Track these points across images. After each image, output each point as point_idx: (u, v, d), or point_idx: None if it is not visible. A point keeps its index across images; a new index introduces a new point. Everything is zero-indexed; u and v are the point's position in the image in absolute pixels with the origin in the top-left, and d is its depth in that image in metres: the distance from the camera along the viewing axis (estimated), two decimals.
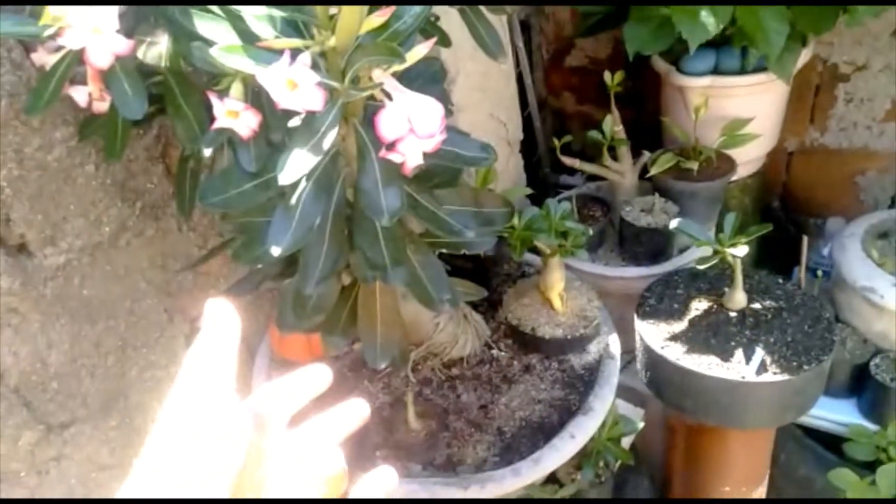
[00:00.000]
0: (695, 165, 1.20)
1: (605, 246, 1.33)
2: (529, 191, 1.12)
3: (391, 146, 0.46)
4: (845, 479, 1.14)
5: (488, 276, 1.13)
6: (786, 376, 0.87)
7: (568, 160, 1.23)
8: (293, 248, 0.51)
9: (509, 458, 0.85)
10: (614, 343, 0.98)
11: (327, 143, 0.45)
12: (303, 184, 0.53)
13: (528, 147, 1.64)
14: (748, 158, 1.35)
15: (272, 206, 0.54)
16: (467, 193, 0.69)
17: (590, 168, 1.25)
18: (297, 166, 0.44)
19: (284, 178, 0.44)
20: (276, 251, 0.51)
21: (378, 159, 0.49)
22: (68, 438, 0.88)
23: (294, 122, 0.51)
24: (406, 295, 0.92)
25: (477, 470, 0.84)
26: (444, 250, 0.82)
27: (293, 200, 0.52)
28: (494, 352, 1.01)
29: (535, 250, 1.01)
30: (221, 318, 0.31)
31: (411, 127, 0.44)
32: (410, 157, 0.47)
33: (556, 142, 1.19)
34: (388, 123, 0.43)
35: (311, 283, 0.57)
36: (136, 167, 0.86)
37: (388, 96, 0.45)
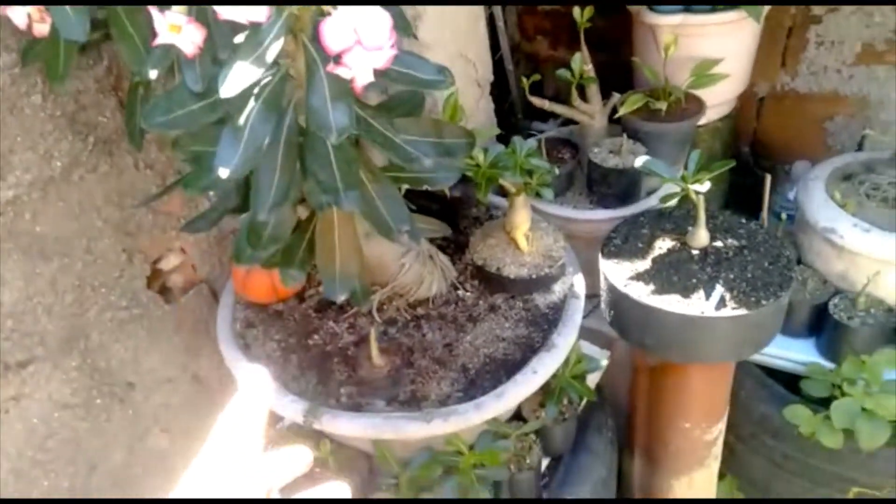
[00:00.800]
0: (664, 106, 1.19)
1: (573, 189, 1.33)
2: (498, 131, 1.11)
3: (338, 59, 0.44)
4: (799, 415, 1.18)
5: (455, 218, 1.13)
6: (744, 311, 0.89)
7: (537, 100, 1.21)
8: (242, 169, 0.50)
9: (473, 394, 0.86)
10: (579, 283, 0.98)
11: (271, 55, 0.43)
12: (251, 103, 0.51)
13: (501, 93, 1.62)
14: (718, 101, 1.34)
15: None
16: (427, 124, 0.68)
17: (559, 109, 1.23)
18: (239, 79, 0.43)
19: (226, 91, 0.43)
20: (224, 173, 0.50)
21: (326, 75, 0.47)
22: (27, 377, 0.87)
23: (240, 39, 0.49)
24: (370, 234, 0.91)
25: (441, 405, 0.85)
26: (406, 185, 0.81)
27: (241, 120, 0.51)
28: (460, 292, 1.01)
29: (502, 193, 1.00)
30: (255, 386, 0.36)
31: (358, 38, 0.43)
32: (360, 72, 0.46)
33: (524, 81, 1.17)
34: (332, 33, 0.41)
35: (264, 208, 0.56)
36: (86, 99, 0.83)
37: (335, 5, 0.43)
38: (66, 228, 0.86)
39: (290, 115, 0.56)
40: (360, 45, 0.43)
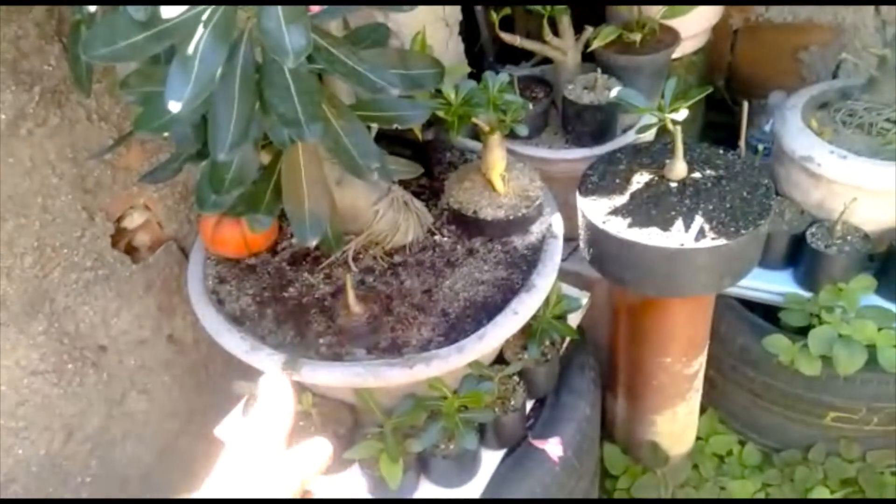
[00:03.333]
0: (638, 38, 1.16)
1: (548, 129, 1.30)
2: (468, 69, 1.07)
3: None
4: (778, 345, 1.19)
5: (429, 162, 1.10)
6: (723, 241, 0.88)
7: (508, 36, 1.17)
8: (194, 102, 0.47)
9: (454, 338, 0.84)
10: (557, 223, 0.97)
11: None
12: (199, 31, 0.47)
13: (472, 36, 1.56)
14: (692, 32, 1.31)
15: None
16: (393, 54, 0.65)
17: (531, 45, 1.19)
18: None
19: (167, 11, 0.39)
20: (174, 107, 0.47)
21: None
22: None
23: None
24: (341, 181, 0.88)
25: (422, 350, 0.84)
26: (374, 124, 0.77)
27: (189, 50, 0.47)
28: (437, 237, 0.99)
29: (476, 136, 0.97)
30: (277, 393, 0.36)
31: None
32: None
33: (493, 16, 1.13)
34: None
35: (224, 147, 0.53)
36: (27, 45, 0.77)
37: None
38: (19, 186, 0.82)
39: (245, 45, 0.52)
40: None
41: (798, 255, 1.22)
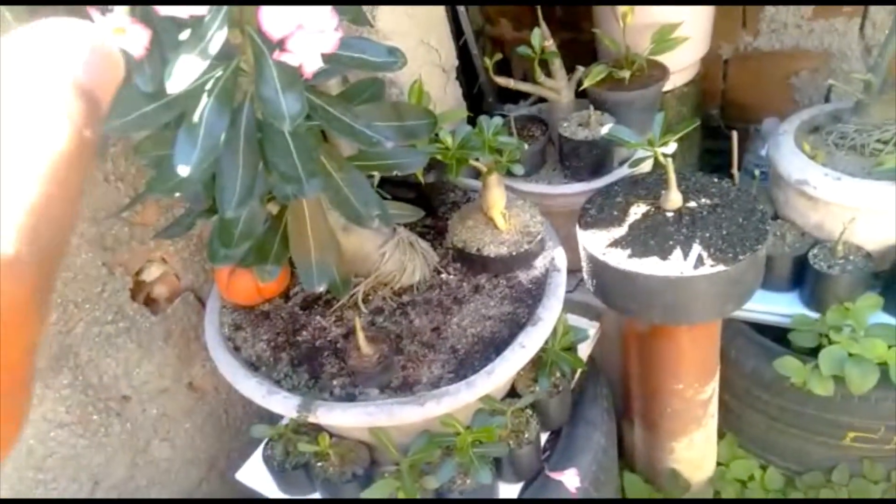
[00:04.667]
0: (627, 74, 1.20)
1: (546, 165, 1.34)
2: (466, 113, 1.12)
3: (283, 46, 0.45)
4: (790, 366, 1.20)
5: (432, 203, 1.13)
6: (722, 267, 0.90)
7: (502, 80, 1.22)
8: (201, 166, 0.51)
9: (464, 374, 0.87)
10: (560, 256, 1.00)
11: (214, 47, 0.44)
12: (203, 100, 0.52)
13: (469, 79, 1.62)
14: (681, 65, 1.35)
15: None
16: (387, 108, 0.69)
17: (524, 87, 1.24)
18: (185, 73, 0.43)
19: (173, 85, 0.43)
20: (183, 171, 0.51)
21: (274, 63, 0.48)
22: None
23: (185, 35, 0.49)
24: (346, 227, 0.92)
25: (433, 387, 0.86)
26: (375, 173, 0.81)
27: (195, 118, 0.51)
28: (444, 276, 1.02)
29: (477, 175, 1.01)
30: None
31: (298, 23, 0.43)
32: (306, 58, 0.46)
33: (487, 62, 1.18)
34: (270, 19, 0.42)
35: (231, 205, 0.57)
36: None
37: None
38: None
39: (247, 109, 0.57)
40: (302, 29, 0.43)
41: (802, 276, 1.24)
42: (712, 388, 1.23)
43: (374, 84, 0.75)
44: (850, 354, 1.15)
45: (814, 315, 1.23)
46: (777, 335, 1.29)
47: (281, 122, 0.47)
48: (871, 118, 1.17)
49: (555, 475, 1.02)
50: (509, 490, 1.02)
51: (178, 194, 0.58)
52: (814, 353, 1.19)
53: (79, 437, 0.97)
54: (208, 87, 0.51)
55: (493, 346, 0.90)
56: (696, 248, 0.94)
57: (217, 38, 0.43)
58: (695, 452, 1.33)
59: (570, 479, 1.00)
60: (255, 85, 0.49)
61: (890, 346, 1.14)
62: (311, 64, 0.47)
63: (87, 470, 0.99)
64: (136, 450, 1.07)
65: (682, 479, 1.37)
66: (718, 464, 1.44)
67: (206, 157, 0.50)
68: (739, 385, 1.34)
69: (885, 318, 1.19)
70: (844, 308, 1.18)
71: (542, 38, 1.16)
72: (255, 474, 1.03)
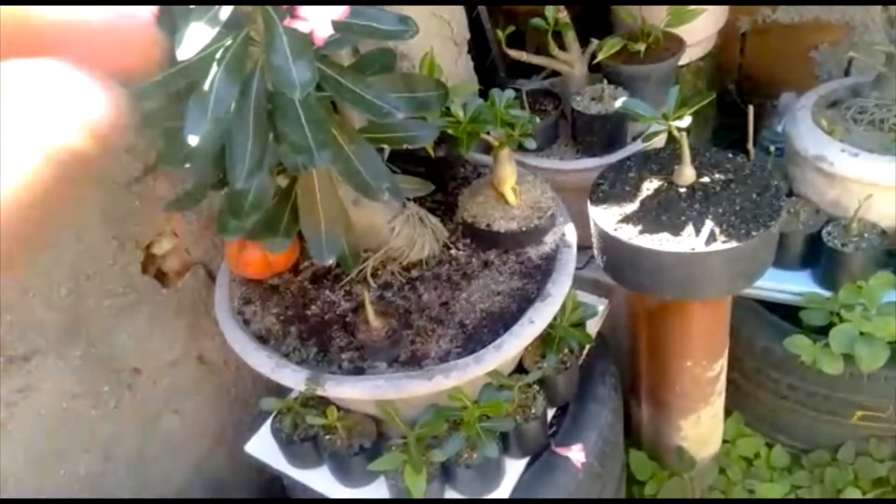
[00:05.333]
0: (642, 47, 1.18)
1: (559, 141, 1.32)
2: (477, 87, 1.10)
3: (294, 13, 0.44)
4: (800, 345, 1.19)
5: (442, 178, 1.12)
6: (734, 243, 0.89)
7: (514, 52, 1.20)
8: (211, 136, 0.50)
9: (472, 348, 0.87)
10: (570, 232, 0.99)
11: (224, 13, 0.43)
12: (213, 68, 0.51)
13: (481, 52, 1.60)
14: (697, 38, 1.32)
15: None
16: (398, 79, 0.68)
17: (538, 59, 1.22)
18: (194, 39, 0.42)
19: (182, 52, 0.43)
20: (193, 140, 0.50)
21: (285, 30, 0.47)
22: (31, 370, 0.89)
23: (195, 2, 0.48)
24: (356, 200, 0.91)
25: (441, 362, 0.86)
26: (385, 145, 0.81)
27: (206, 87, 0.50)
28: (453, 251, 1.01)
29: (488, 150, 1.00)
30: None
31: None
32: (317, 25, 0.46)
33: (500, 34, 1.16)
34: None
35: (241, 176, 0.56)
36: None
37: None
38: (53, 220, 0.87)
39: (257, 79, 0.56)
40: None
41: (815, 254, 1.22)
42: (721, 366, 1.23)
43: (385, 55, 0.73)
44: (862, 333, 1.14)
45: (826, 293, 1.22)
46: (787, 313, 1.29)
47: (291, 91, 0.47)
48: (892, 92, 1.15)
49: (561, 451, 1.02)
50: (515, 465, 1.03)
51: (187, 165, 0.57)
52: (825, 331, 1.18)
53: (91, 408, 0.98)
54: (218, 55, 0.50)
55: (502, 322, 0.90)
56: (709, 224, 0.93)
57: (227, 5, 0.42)
58: (702, 430, 1.33)
59: (576, 455, 1.01)
60: (266, 53, 0.48)
61: None
62: (322, 31, 0.47)
63: (99, 440, 1.01)
64: (146, 421, 1.09)
65: (687, 457, 1.37)
66: (724, 441, 1.45)
67: (216, 126, 0.49)
68: (749, 363, 1.34)
69: None
70: (857, 286, 1.17)
71: (555, 9, 1.14)
72: (263, 447, 1.04)
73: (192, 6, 0.49)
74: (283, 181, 0.73)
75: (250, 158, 0.56)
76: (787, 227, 1.21)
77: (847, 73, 1.43)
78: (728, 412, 1.41)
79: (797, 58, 1.57)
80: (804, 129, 1.19)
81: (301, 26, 0.45)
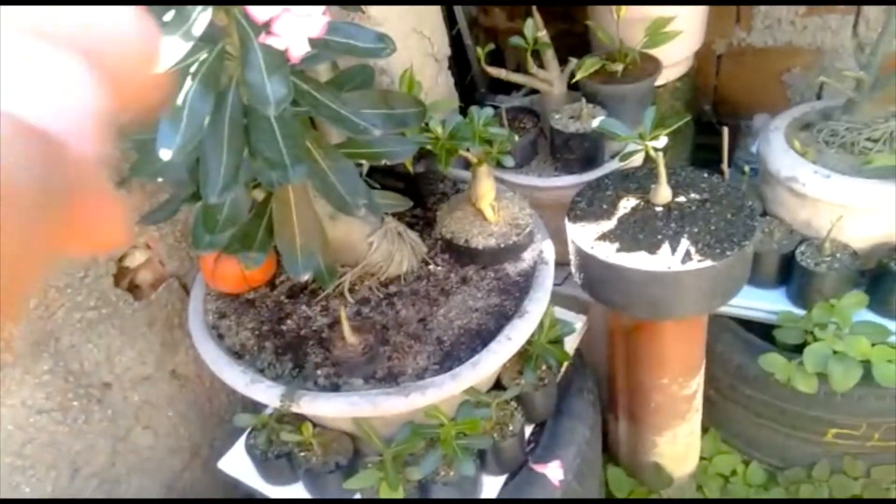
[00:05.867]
0: (620, 68, 1.20)
1: (538, 158, 1.33)
2: (457, 104, 1.11)
3: (269, 29, 0.44)
4: (774, 363, 1.20)
5: (421, 194, 1.13)
6: (709, 262, 0.90)
7: (493, 70, 1.21)
8: (184, 149, 0.50)
9: (449, 365, 0.86)
10: (548, 249, 0.99)
11: (198, 28, 0.43)
12: (188, 83, 0.50)
13: (462, 69, 1.61)
14: (674, 60, 1.34)
15: None
16: (376, 96, 0.68)
17: (516, 78, 1.23)
18: (168, 53, 0.42)
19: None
20: (165, 154, 0.50)
21: (259, 46, 0.46)
22: None
23: (169, 16, 0.48)
24: (333, 215, 0.91)
25: (418, 378, 0.86)
26: (363, 161, 0.80)
27: (179, 101, 0.50)
28: (431, 267, 1.01)
29: (468, 166, 1.00)
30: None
31: (286, 6, 0.42)
32: (293, 42, 0.45)
33: (480, 52, 1.17)
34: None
35: (215, 191, 0.56)
36: None
37: None
38: None
39: (233, 93, 0.56)
40: (288, 12, 0.42)
41: (789, 273, 1.24)
42: (697, 383, 1.23)
43: (363, 71, 0.74)
44: (835, 352, 1.16)
45: (800, 312, 1.23)
46: (763, 331, 1.30)
47: (266, 107, 0.46)
48: (862, 116, 1.17)
49: (538, 468, 1.02)
50: (493, 482, 1.02)
51: (160, 179, 0.57)
52: (799, 349, 1.19)
53: (58, 423, 0.96)
54: (192, 69, 0.50)
55: (480, 338, 0.90)
56: (685, 243, 0.94)
57: (201, 19, 0.42)
58: (678, 447, 1.34)
59: (553, 472, 1.00)
60: (241, 68, 0.48)
61: (874, 344, 1.15)
62: (297, 48, 0.46)
63: (67, 457, 0.98)
64: (116, 437, 1.06)
65: (664, 474, 1.37)
66: (701, 458, 1.45)
67: (189, 141, 0.49)
68: (724, 381, 1.35)
69: (870, 316, 1.20)
70: (830, 305, 1.19)
71: (535, 28, 1.15)
72: (237, 463, 1.03)
73: (166, 19, 0.48)
74: (258, 195, 0.73)
75: (225, 173, 0.56)
76: (761, 246, 1.23)
77: (819, 97, 1.47)
78: (705, 429, 1.42)
79: (770, 80, 1.60)
80: (777, 150, 1.21)
81: (276, 42, 0.45)
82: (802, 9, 1.49)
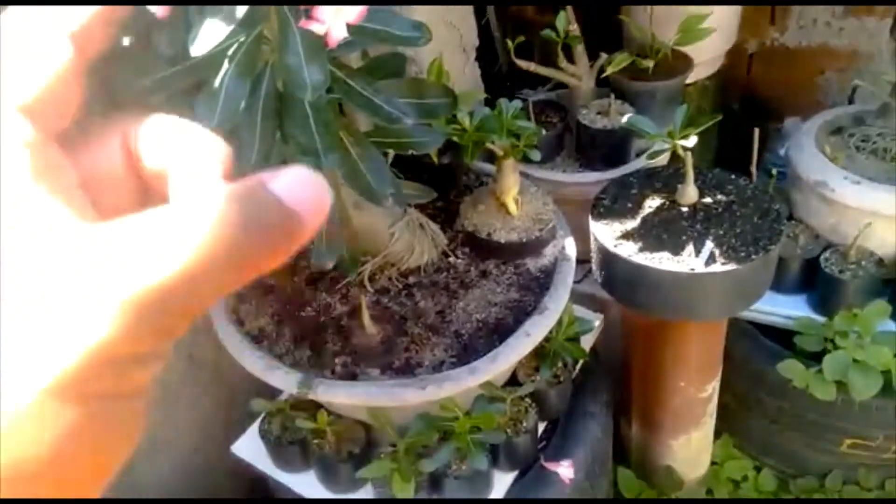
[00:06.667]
0: (651, 64, 1.18)
1: (563, 153, 1.32)
2: (484, 95, 1.10)
3: (309, 13, 0.43)
4: (793, 370, 1.19)
5: (445, 186, 1.12)
6: (734, 266, 0.89)
7: (523, 63, 1.20)
8: (219, 132, 0.49)
9: (466, 359, 0.86)
10: (570, 245, 0.98)
11: (240, 11, 0.42)
12: (225, 66, 0.50)
13: (489, 61, 1.59)
14: (706, 57, 1.32)
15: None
16: (408, 84, 0.67)
17: (545, 71, 1.22)
18: (208, 36, 0.42)
19: (197, 48, 0.42)
20: None
21: (299, 31, 0.46)
22: None
23: None
24: (358, 204, 0.90)
25: (435, 371, 0.85)
26: (391, 150, 0.80)
27: (216, 83, 0.50)
28: (452, 259, 1.01)
29: (492, 160, 0.99)
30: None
31: None
32: (333, 27, 0.45)
33: (510, 44, 1.15)
34: None
35: (246, 173, 0.55)
36: None
37: None
38: None
39: (268, 78, 0.55)
40: None
41: (812, 279, 1.22)
42: (713, 387, 1.22)
43: (395, 59, 0.73)
44: (855, 360, 1.14)
45: (820, 319, 1.22)
46: (782, 337, 1.29)
47: (303, 92, 0.46)
48: None
49: (550, 465, 1.02)
50: (504, 478, 1.02)
51: None
52: (818, 357, 1.18)
53: None
54: (230, 52, 0.50)
55: (498, 333, 0.89)
56: (709, 245, 0.93)
57: (243, 4, 0.42)
58: (691, 451, 1.33)
59: (564, 471, 1.00)
60: (279, 53, 0.47)
61: (895, 355, 1.13)
62: (337, 33, 0.46)
63: None
64: None
65: (676, 477, 1.37)
66: (713, 463, 1.44)
67: (224, 124, 0.49)
68: (741, 386, 1.34)
69: (893, 327, 1.18)
70: (852, 314, 1.17)
71: (566, 21, 1.13)
72: (250, 448, 1.03)
73: (207, 5, 0.48)
74: None
75: (256, 158, 0.55)
76: (785, 251, 1.21)
77: (851, 101, 1.44)
78: (718, 434, 1.41)
79: (803, 82, 1.58)
80: (807, 154, 1.19)
81: (316, 27, 0.44)
82: (839, 10, 1.46)
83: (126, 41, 0.55)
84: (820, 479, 1.38)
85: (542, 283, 0.95)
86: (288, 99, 0.54)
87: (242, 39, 0.50)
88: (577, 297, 1.17)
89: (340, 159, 0.54)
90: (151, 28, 0.53)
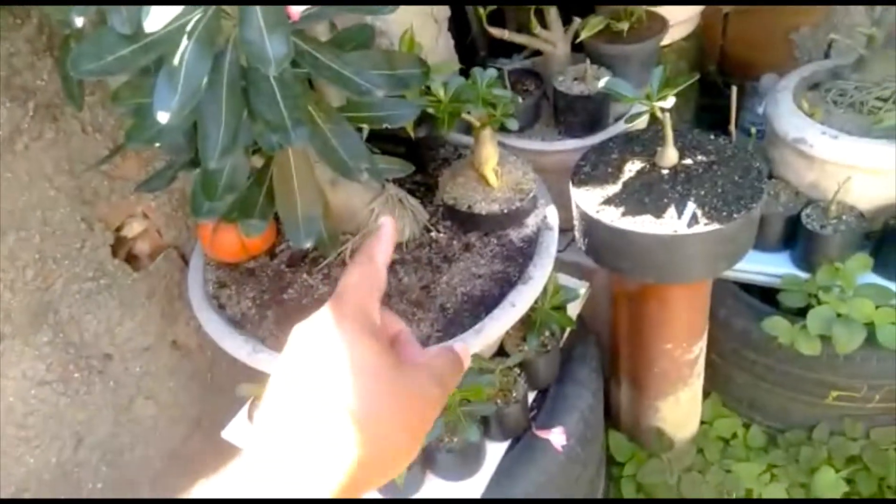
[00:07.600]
0: (625, 27, 1.17)
1: (541, 121, 1.30)
2: (458, 66, 1.08)
3: None
4: (778, 326, 1.20)
5: (423, 159, 1.10)
6: (716, 226, 0.89)
7: (496, 31, 1.18)
8: (181, 112, 0.48)
9: (452, 332, 0.85)
10: (552, 214, 0.97)
11: None
12: (184, 42, 0.48)
13: (462, 31, 1.57)
14: (681, 18, 1.31)
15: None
16: (378, 56, 0.65)
17: (519, 38, 1.20)
18: (163, 12, 0.40)
19: (150, 24, 0.40)
20: (163, 117, 0.48)
21: (258, 3, 0.44)
22: None
23: None
24: (334, 181, 0.89)
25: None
26: (364, 125, 0.78)
27: (175, 61, 0.48)
28: (433, 234, 1.00)
29: (469, 131, 0.97)
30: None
31: None
32: None
33: (481, 12, 1.13)
34: None
35: (214, 155, 0.54)
36: (19, 62, 0.78)
37: None
38: (18, 201, 0.83)
39: (230, 54, 0.53)
40: None
41: (794, 236, 1.23)
42: (700, 348, 1.23)
43: (363, 31, 0.71)
44: (839, 314, 1.15)
45: (804, 275, 1.23)
46: (766, 295, 1.30)
47: (266, 66, 0.44)
48: (872, 74, 1.15)
49: (542, 433, 1.02)
50: (496, 448, 1.02)
51: (157, 144, 0.55)
52: (802, 313, 1.19)
53: (60, 394, 0.95)
54: (189, 28, 0.48)
55: (483, 305, 0.89)
56: (691, 207, 0.92)
57: None
58: (680, 411, 1.34)
59: (556, 438, 1.01)
60: (239, 27, 0.46)
61: (878, 307, 1.15)
62: (296, 5, 0.44)
63: (70, 427, 0.98)
64: (119, 408, 1.06)
65: (666, 437, 1.38)
66: (702, 422, 1.46)
67: (186, 102, 0.47)
68: (727, 345, 1.35)
69: (875, 279, 1.19)
70: (835, 268, 1.18)
71: None
72: (240, 433, 1.03)
73: None
74: (257, 161, 0.71)
75: (224, 136, 0.54)
76: (766, 209, 1.21)
77: (827, 56, 1.43)
78: (706, 393, 1.42)
79: (778, 40, 1.57)
80: (785, 110, 1.19)
81: None
82: None
83: (79, 22, 0.53)
84: (807, 431, 1.41)
85: (525, 254, 0.94)
86: (252, 74, 0.53)
87: (200, 15, 0.48)
88: (562, 267, 1.17)
89: (310, 134, 0.53)
90: (107, 6, 0.51)
